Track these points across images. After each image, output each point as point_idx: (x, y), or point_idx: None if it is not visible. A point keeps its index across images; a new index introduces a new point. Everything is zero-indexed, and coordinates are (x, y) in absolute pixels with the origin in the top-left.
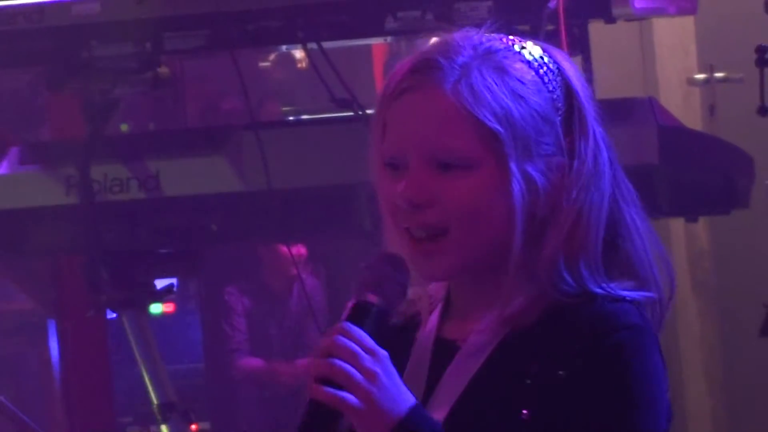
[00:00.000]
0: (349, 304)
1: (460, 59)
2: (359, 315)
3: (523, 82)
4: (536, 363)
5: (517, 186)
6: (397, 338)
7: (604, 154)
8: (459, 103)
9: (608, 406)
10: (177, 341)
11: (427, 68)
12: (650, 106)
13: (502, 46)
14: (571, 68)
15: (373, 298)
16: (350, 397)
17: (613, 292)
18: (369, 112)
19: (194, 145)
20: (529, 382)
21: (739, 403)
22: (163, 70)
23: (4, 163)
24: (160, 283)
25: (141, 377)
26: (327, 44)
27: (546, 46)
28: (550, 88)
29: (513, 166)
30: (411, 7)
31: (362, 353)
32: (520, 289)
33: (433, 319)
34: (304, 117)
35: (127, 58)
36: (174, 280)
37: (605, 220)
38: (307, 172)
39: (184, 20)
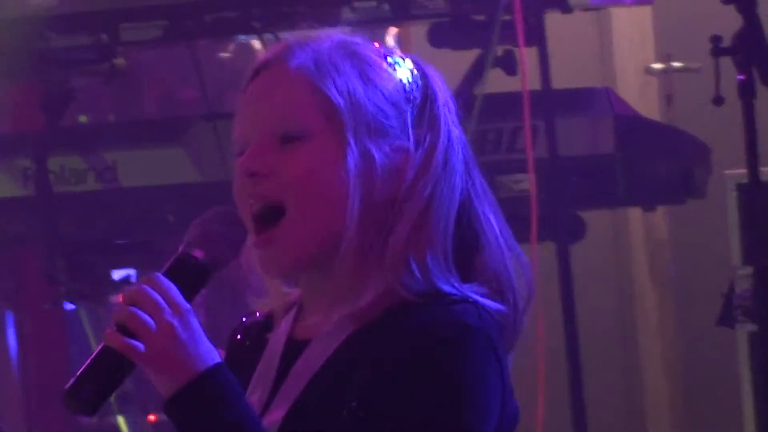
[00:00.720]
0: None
1: (314, 44)
2: (178, 268)
3: (373, 67)
4: (371, 358)
5: (353, 158)
6: (253, 339)
7: (459, 153)
8: (302, 75)
9: (427, 400)
10: None
11: (277, 52)
12: (607, 96)
13: (362, 42)
14: (436, 76)
15: (198, 253)
16: (139, 345)
17: (462, 291)
18: None
19: (152, 137)
20: (361, 378)
21: (696, 389)
22: (120, 60)
23: None
24: (117, 274)
25: None
26: (284, 34)
27: (416, 57)
28: (404, 81)
29: (350, 138)
30: None
31: (164, 305)
32: (368, 284)
33: (288, 320)
34: None
35: (84, 49)
36: (132, 272)
37: (455, 216)
38: None
39: (141, 11)
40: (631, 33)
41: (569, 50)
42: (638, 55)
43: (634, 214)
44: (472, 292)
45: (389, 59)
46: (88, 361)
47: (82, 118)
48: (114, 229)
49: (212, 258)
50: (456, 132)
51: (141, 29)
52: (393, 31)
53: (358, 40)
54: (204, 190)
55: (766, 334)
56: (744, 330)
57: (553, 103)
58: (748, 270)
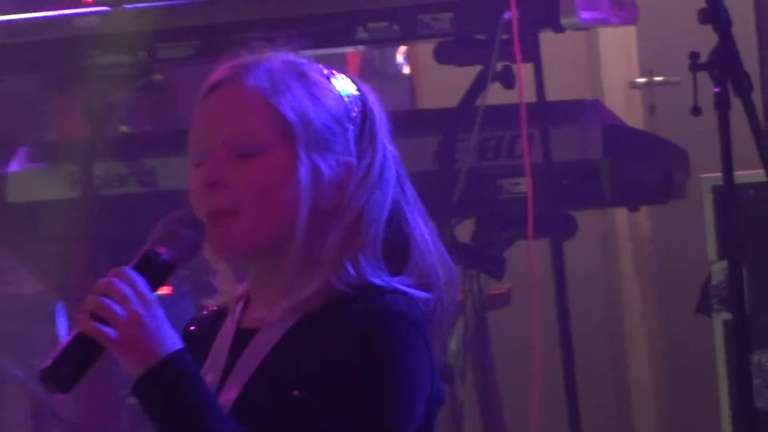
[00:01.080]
0: (139, 253)
1: (267, 64)
2: (144, 263)
3: (320, 87)
4: (312, 346)
5: (304, 172)
6: (205, 330)
7: (392, 167)
8: (258, 93)
9: (360, 384)
10: (173, 321)
11: (233, 69)
12: (595, 107)
13: (308, 62)
14: (373, 97)
15: (162, 251)
16: (110, 331)
17: (391, 283)
18: None
19: (186, 145)
20: (303, 364)
21: (677, 371)
22: (157, 76)
23: (15, 162)
24: None
25: None
26: (306, 52)
27: (355, 78)
28: (347, 101)
29: (302, 153)
30: (379, 19)
31: (133, 296)
32: (310, 279)
33: (237, 311)
34: None
35: (125, 66)
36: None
37: (385, 221)
38: None
39: (176, 32)
40: (617, 50)
41: (561, 66)
42: (623, 70)
43: (620, 213)
44: (401, 284)
45: (332, 80)
46: (64, 344)
47: (123, 128)
48: (151, 228)
49: (174, 256)
50: (389, 147)
51: (176, 48)
52: (402, 49)
53: (304, 61)
54: None
55: (739, 322)
56: (719, 317)
57: (547, 113)
58: (723, 264)
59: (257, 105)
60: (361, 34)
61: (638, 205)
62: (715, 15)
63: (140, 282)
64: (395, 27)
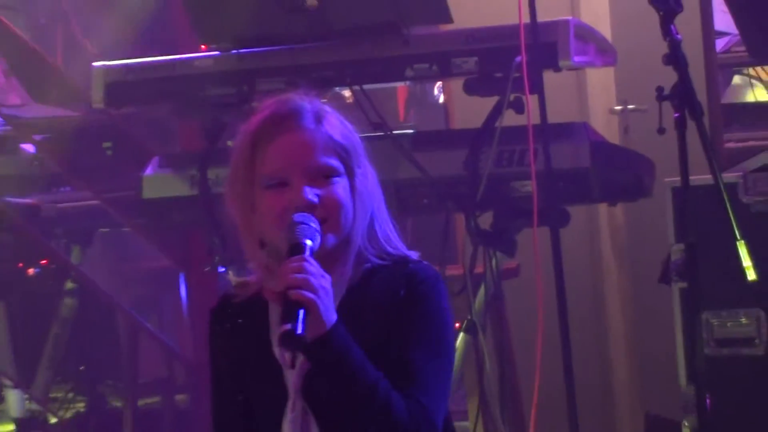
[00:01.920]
0: (289, 244)
1: (309, 106)
2: (302, 251)
3: (342, 119)
4: (374, 300)
5: (359, 183)
6: (248, 313)
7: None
8: (322, 132)
9: (420, 319)
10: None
11: (290, 116)
12: (584, 128)
13: (322, 103)
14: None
15: (307, 242)
16: (315, 297)
17: (402, 252)
18: (395, 132)
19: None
20: (371, 311)
21: (645, 327)
22: (256, 104)
23: (149, 167)
24: None
25: None
26: (366, 86)
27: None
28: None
29: (355, 169)
30: (423, 61)
31: (320, 274)
32: (347, 259)
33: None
34: None
35: (231, 96)
36: None
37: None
38: None
39: (269, 70)
40: (600, 84)
41: (558, 96)
42: (604, 100)
43: (602, 208)
44: (406, 253)
45: (344, 121)
46: (282, 314)
47: (229, 143)
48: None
49: (314, 246)
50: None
51: (270, 82)
52: (439, 83)
53: (320, 101)
54: None
55: (692, 289)
56: (677, 286)
57: (548, 132)
58: (680, 246)
59: (325, 141)
60: (408, 72)
61: (616, 202)
62: (675, 59)
63: (317, 265)
64: (434, 67)
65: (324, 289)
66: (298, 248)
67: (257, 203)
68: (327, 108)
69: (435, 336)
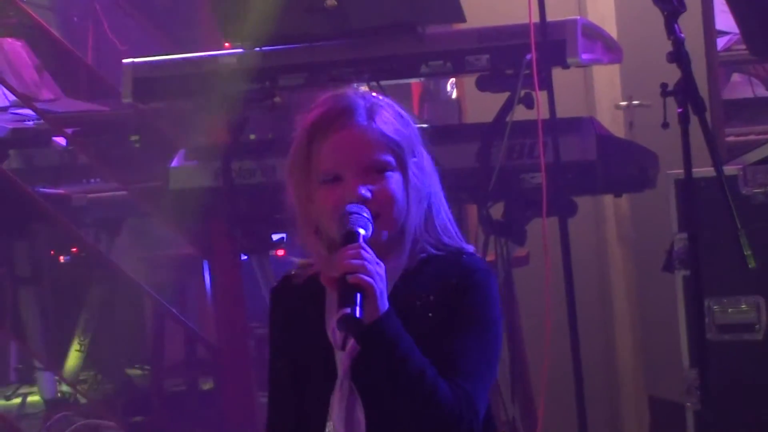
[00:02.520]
0: (343, 232)
1: (363, 101)
2: (356, 239)
3: (398, 112)
4: (426, 288)
5: (413, 176)
6: (310, 291)
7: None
8: (379, 131)
9: (469, 309)
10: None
11: (343, 114)
12: (591, 122)
13: (376, 97)
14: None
15: (360, 231)
16: (372, 281)
17: (457, 244)
18: None
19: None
20: (423, 298)
21: (649, 313)
22: (277, 99)
23: (175, 159)
24: (275, 236)
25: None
26: (383, 82)
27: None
28: (408, 118)
29: (409, 162)
30: (437, 59)
31: (373, 261)
32: (404, 247)
33: None
34: None
35: (254, 91)
36: (284, 235)
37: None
38: None
39: (290, 67)
40: (606, 81)
41: (566, 92)
42: (610, 96)
43: (608, 199)
44: (461, 244)
45: (401, 112)
46: (339, 298)
47: (252, 136)
48: (272, 207)
49: (366, 235)
50: (427, 154)
51: (291, 78)
52: (452, 80)
53: (373, 95)
54: None
55: (694, 277)
56: (680, 274)
57: (557, 126)
58: (683, 235)
59: (378, 137)
60: (423, 69)
61: (621, 193)
62: (678, 56)
63: (372, 252)
64: (448, 64)
65: (379, 276)
66: (351, 236)
67: (313, 195)
68: (381, 102)
69: (482, 326)
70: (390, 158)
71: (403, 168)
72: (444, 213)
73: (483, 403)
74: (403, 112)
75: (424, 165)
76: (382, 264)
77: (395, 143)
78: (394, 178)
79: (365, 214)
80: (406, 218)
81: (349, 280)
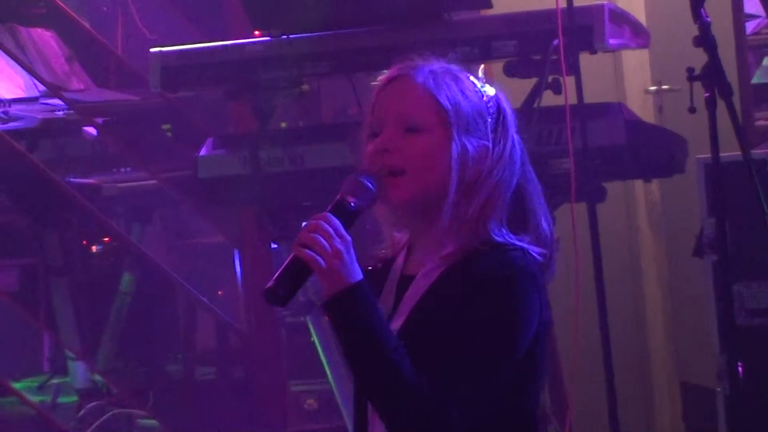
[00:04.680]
0: (334, 201)
1: (429, 66)
2: (339, 209)
3: (468, 87)
4: (454, 291)
5: (455, 148)
6: (379, 274)
7: (517, 152)
8: (425, 87)
9: (490, 315)
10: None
11: (405, 68)
12: (620, 107)
13: (459, 69)
14: (505, 98)
15: (351, 200)
16: (320, 260)
17: (512, 241)
18: None
19: (327, 136)
20: (448, 303)
21: (679, 298)
22: (305, 86)
23: (204, 148)
24: (304, 224)
25: None
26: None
27: (492, 83)
28: (485, 99)
29: (455, 134)
30: (465, 44)
31: (334, 235)
32: (454, 238)
33: (399, 260)
34: None
35: (281, 79)
36: None
37: (511, 195)
38: None
39: (318, 55)
40: (635, 66)
41: (595, 77)
42: (640, 81)
43: (638, 184)
44: (521, 241)
45: (476, 83)
46: (281, 269)
47: (282, 124)
48: (301, 195)
49: (359, 205)
50: (517, 138)
51: (318, 66)
52: (481, 66)
53: (456, 67)
54: None
55: (723, 261)
56: (710, 259)
57: (585, 112)
58: (712, 220)
59: (423, 95)
60: (451, 55)
61: (651, 178)
62: (705, 40)
63: (338, 224)
64: (475, 50)
65: (334, 251)
66: (336, 204)
67: None
68: (453, 71)
69: (491, 328)
70: (430, 119)
71: (447, 137)
72: (501, 209)
73: (458, 411)
74: (475, 89)
75: (485, 149)
76: (346, 238)
77: (441, 107)
78: (432, 141)
79: (367, 182)
80: (439, 187)
81: (294, 252)
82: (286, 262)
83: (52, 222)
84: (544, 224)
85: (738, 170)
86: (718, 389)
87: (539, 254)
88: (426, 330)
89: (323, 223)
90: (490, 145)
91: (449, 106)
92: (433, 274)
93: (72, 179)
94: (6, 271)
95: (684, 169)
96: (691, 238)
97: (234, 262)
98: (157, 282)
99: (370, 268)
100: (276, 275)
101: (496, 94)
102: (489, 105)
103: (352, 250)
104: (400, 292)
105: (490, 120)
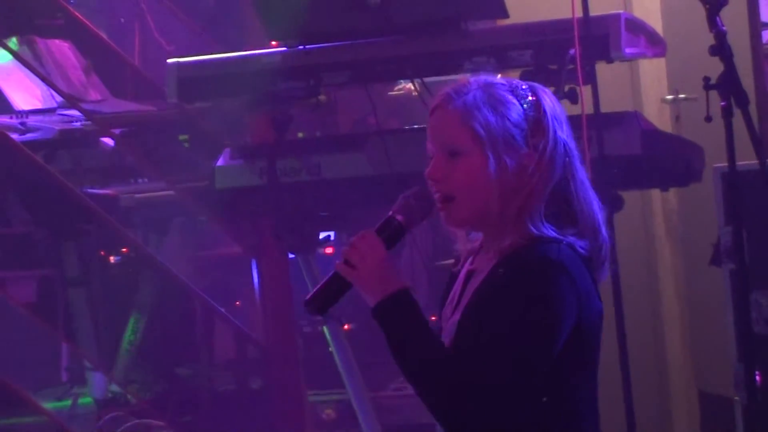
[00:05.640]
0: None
1: (464, 90)
2: (385, 225)
3: (502, 102)
4: (500, 278)
5: (492, 165)
6: (453, 277)
7: (560, 149)
8: (457, 113)
9: (520, 305)
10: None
11: (443, 98)
12: (636, 116)
13: (497, 81)
14: (548, 98)
15: (399, 218)
16: (350, 272)
17: (546, 233)
18: None
19: (344, 146)
20: (490, 295)
21: (697, 307)
22: (322, 97)
23: (221, 158)
24: (321, 235)
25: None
26: (426, 79)
27: (535, 86)
28: (525, 107)
29: (489, 153)
30: (480, 54)
31: (368, 251)
32: (505, 236)
33: (469, 260)
34: (415, 126)
35: (299, 89)
36: (331, 233)
37: (556, 190)
38: (416, 161)
39: (335, 65)
40: (652, 75)
41: (611, 87)
42: (656, 90)
43: (655, 193)
44: (562, 235)
45: (514, 92)
46: (322, 282)
47: (299, 134)
48: (318, 205)
49: (407, 221)
50: (561, 134)
51: (334, 76)
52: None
53: (495, 80)
54: (375, 180)
55: (740, 270)
56: (727, 268)
57: (601, 121)
58: (729, 228)
59: (457, 121)
60: (467, 65)
61: (668, 187)
62: (721, 49)
63: (375, 242)
64: (492, 60)
65: (365, 267)
66: (384, 222)
67: None
68: (490, 90)
69: (515, 320)
70: (467, 142)
71: (485, 156)
72: (539, 205)
73: (506, 396)
74: (510, 102)
75: (519, 158)
76: (380, 254)
77: (472, 129)
78: (472, 163)
79: (412, 201)
80: (488, 203)
81: (335, 266)
82: (327, 276)
83: (69, 233)
84: (590, 219)
85: (755, 179)
86: (736, 398)
87: (582, 247)
88: (475, 320)
89: (359, 240)
90: (529, 152)
91: (481, 129)
92: (486, 268)
93: (89, 190)
94: (24, 282)
95: (701, 177)
96: (708, 246)
97: (251, 272)
98: (175, 292)
99: (455, 269)
100: (316, 288)
101: (535, 97)
102: (527, 112)
103: (386, 262)
104: (464, 289)
105: (528, 127)
